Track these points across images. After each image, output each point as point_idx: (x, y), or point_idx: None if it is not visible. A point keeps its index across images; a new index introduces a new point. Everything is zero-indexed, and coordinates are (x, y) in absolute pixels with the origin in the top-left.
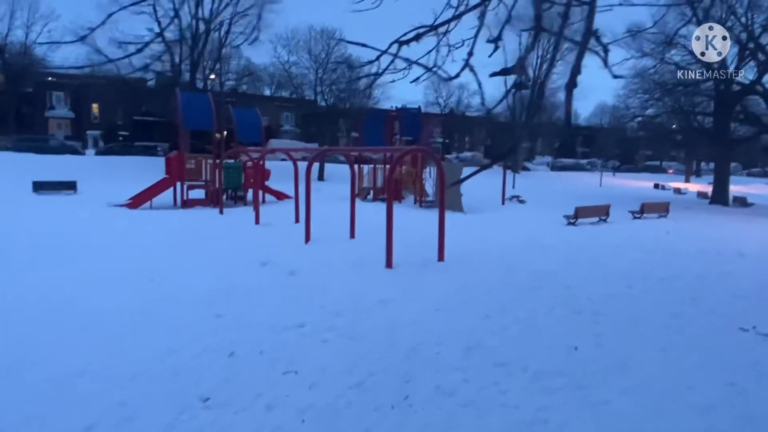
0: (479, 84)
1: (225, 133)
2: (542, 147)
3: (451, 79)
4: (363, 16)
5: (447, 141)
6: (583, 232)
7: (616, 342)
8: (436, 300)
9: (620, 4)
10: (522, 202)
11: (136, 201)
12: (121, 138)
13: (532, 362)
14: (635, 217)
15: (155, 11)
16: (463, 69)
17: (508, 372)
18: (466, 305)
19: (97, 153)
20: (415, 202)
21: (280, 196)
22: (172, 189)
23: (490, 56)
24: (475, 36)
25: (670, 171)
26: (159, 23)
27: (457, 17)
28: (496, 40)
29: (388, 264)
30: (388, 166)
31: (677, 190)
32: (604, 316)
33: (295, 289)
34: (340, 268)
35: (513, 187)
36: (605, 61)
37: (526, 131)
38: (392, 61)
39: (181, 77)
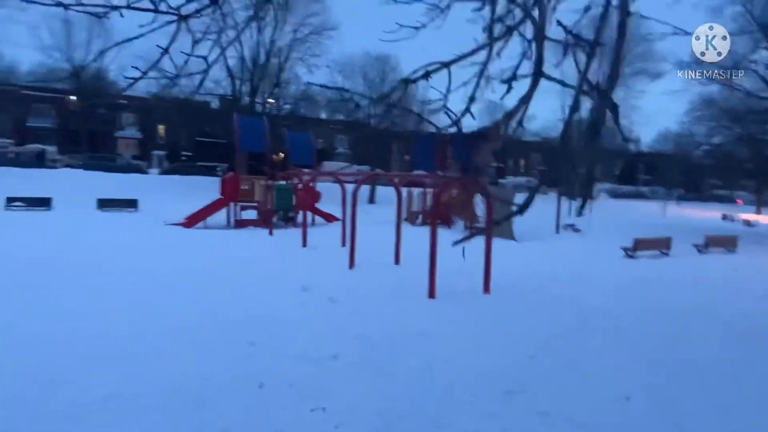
0: (454, 142)
1: (282, 155)
2: (601, 173)
3: (453, 124)
4: (417, 41)
5: (502, 165)
6: (641, 267)
7: (672, 394)
8: (477, 335)
9: (674, 33)
10: (577, 231)
11: (191, 220)
12: (184, 158)
13: (576, 412)
14: (700, 252)
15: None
16: (464, 114)
17: (551, 422)
18: (509, 342)
19: (161, 172)
20: (465, 228)
21: (329, 218)
22: (226, 209)
23: (501, 99)
24: (478, 79)
25: (740, 201)
26: (222, 49)
27: (469, 54)
28: (510, 80)
29: (431, 293)
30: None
31: (747, 223)
32: (659, 363)
33: (334, 317)
34: (382, 296)
35: (569, 214)
36: (616, 121)
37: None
38: (389, 109)
39: (241, 100)
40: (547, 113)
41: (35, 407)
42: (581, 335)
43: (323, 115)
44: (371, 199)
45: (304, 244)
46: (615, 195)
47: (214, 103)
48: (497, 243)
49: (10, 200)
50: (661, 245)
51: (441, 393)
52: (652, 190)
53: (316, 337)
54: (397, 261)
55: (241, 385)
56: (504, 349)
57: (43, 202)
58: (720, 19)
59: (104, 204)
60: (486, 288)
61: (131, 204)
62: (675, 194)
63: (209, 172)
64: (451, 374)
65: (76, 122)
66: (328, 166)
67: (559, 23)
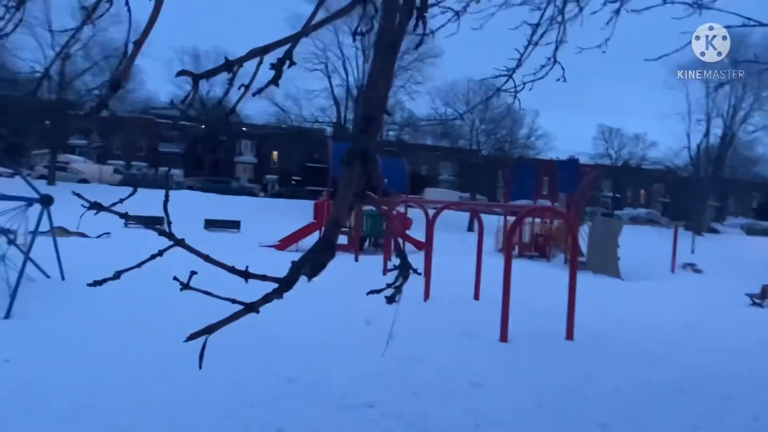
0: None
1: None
2: (735, 206)
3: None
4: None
5: (618, 195)
6: None
7: None
8: (543, 392)
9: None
10: (698, 271)
11: (284, 243)
12: (293, 182)
13: None
14: None
15: (326, 68)
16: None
17: None
18: (578, 406)
19: (268, 195)
20: (565, 262)
21: (419, 245)
22: (317, 233)
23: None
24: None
25: None
26: (329, 78)
27: (279, 43)
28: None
29: (503, 337)
30: (537, 220)
31: None
32: None
33: (386, 357)
34: (447, 336)
35: (692, 252)
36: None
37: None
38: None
39: (346, 127)
40: (668, 140)
41: None
42: (674, 402)
43: (428, 141)
44: (470, 227)
45: (385, 273)
46: (752, 231)
47: (328, 131)
48: (599, 281)
49: (128, 218)
50: None
51: None
52: None
53: (358, 379)
54: (476, 296)
55: (261, 429)
56: (571, 413)
57: (157, 221)
58: None
59: (210, 224)
60: (569, 334)
61: (234, 225)
62: None
63: (314, 195)
64: None
65: (201, 148)
66: (430, 192)
67: None
